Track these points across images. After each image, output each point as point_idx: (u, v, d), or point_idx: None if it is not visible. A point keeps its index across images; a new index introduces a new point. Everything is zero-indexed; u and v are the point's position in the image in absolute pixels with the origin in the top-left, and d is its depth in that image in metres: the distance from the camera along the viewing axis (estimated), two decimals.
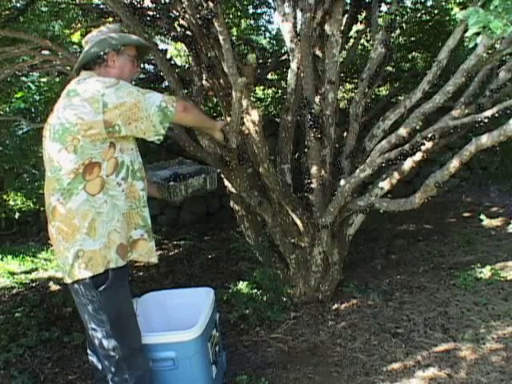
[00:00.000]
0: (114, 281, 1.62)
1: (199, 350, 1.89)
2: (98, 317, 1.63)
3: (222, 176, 2.51)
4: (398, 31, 4.34)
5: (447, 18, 4.60)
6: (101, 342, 1.66)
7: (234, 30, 4.76)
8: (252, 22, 4.87)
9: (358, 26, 3.27)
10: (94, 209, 1.58)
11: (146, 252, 1.75)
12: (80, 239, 1.57)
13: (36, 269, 4.08)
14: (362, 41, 4.01)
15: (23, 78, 3.46)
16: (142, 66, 3.35)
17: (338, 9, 2.56)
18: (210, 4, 2.10)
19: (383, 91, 5.74)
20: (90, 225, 1.57)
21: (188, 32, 2.72)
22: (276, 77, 5.03)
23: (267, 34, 4.97)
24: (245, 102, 2.23)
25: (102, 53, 1.69)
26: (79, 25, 3.47)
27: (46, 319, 3.01)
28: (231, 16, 4.47)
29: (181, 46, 4.92)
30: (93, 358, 1.86)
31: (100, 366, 1.83)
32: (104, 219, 1.59)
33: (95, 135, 1.55)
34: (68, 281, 1.63)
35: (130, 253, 1.70)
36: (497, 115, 2.05)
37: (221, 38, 2.10)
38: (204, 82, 2.79)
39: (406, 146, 2.31)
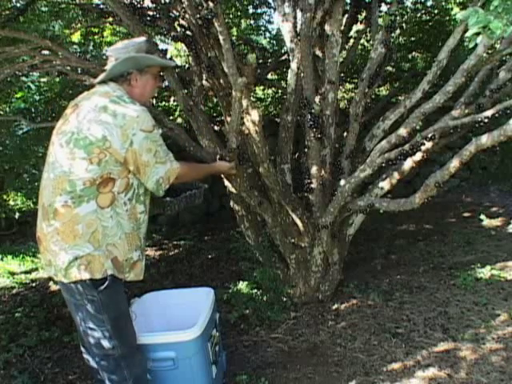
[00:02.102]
0: (113, 281, 1.65)
1: (199, 350, 1.89)
2: (98, 316, 1.64)
3: (222, 176, 2.51)
4: (398, 31, 4.34)
5: (447, 18, 4.60)
6: (99, 341, 1.67)
7: (234, 30, 4.75)
8: (252, 21, 4.87)
9: (358, 26, 3.27)
10: (99, 221, 1.61)
11: (140, 272, 1.79)
12: (81, 244, 1.59)
13: (36, 269, 4.08)
14: (362, 41, 4.01)
15: (23, 78, 3.47)
16: None
17: (338, 9, 2.56)
18: (210, 4, 2.10)
19: (383, 91, 5.74)
20: (93, 235, 1.60)
21: (188, 32, 2.72)
22: (276, 77, 5.04)
23: (267, 34, 4.98)
24: (245, 102, 2.23)
25: (125, 73, 1.73)
26: (79, 25, 3.48)
27: (46, 319, 3.01)
28: (231, 16, 4.47)
29: (181, 46, 4.91)
30: (88, 357, 1.86)
31: (95, 366, 1.83)
32: (107, 233, 1.63)
33: (117, 157, 1.62)
34: (63, 280, 1.63)
35: (128, 273, 1.73)
36: (497, 115, 2.04)
37: (221, 38, 2.10)
38: (204, 82, 2.79)
39: (406, 146, 2.31)
